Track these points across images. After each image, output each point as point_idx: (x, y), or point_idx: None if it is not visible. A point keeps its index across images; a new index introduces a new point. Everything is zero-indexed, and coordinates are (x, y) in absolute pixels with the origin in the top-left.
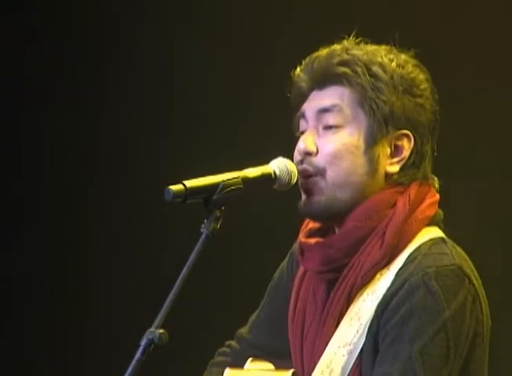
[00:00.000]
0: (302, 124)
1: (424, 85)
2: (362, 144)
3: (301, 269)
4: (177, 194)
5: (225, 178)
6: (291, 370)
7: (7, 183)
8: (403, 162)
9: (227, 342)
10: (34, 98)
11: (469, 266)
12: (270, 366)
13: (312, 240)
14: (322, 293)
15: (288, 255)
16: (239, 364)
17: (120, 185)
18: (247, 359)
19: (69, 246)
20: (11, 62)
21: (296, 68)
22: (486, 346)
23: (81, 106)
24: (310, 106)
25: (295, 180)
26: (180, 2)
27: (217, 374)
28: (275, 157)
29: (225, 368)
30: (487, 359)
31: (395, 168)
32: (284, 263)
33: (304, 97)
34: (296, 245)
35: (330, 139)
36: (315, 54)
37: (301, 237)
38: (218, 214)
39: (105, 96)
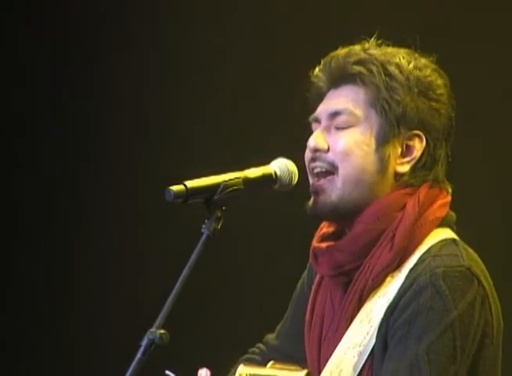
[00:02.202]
0: (315, 126)
1: (441, 90)
2: (373, 143)
3: (319, 276)
4: (178, 195)
5: (226, 179)
6: (305, 371)
7: (6, 182)
8: (413, 162)
9: (257, 345)
10: (34, 97)
11: (479, 268)
12: (293, 367)
13: (324, 244)
14: (338, 297)
15: (308, 264)
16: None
17: (120, 185)
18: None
19: (70, 246)
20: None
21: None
22: (497, 348)
23: (82, 106)
24: (323, 108)
25: (296, 181)
26: (181, 2)
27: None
28: (276, 157)
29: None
30: (499, 361)
31: (405, 168)
32: (305, 272)
33: (322, 97)
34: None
35: (341, 136)
36: (334, 53)
37: (314, 242)
38: (219, 214)
39: (105, 96)
